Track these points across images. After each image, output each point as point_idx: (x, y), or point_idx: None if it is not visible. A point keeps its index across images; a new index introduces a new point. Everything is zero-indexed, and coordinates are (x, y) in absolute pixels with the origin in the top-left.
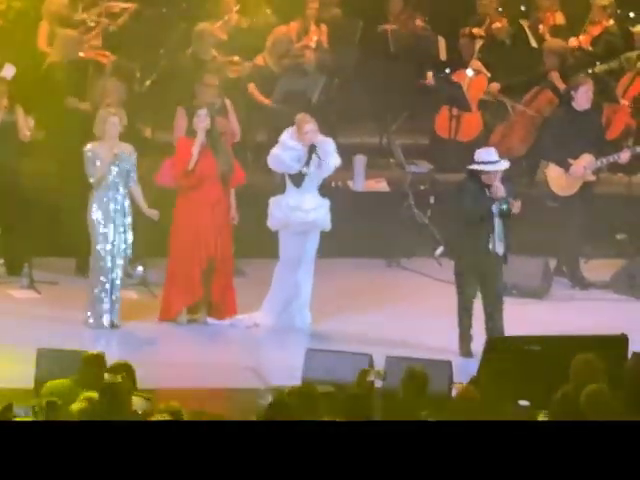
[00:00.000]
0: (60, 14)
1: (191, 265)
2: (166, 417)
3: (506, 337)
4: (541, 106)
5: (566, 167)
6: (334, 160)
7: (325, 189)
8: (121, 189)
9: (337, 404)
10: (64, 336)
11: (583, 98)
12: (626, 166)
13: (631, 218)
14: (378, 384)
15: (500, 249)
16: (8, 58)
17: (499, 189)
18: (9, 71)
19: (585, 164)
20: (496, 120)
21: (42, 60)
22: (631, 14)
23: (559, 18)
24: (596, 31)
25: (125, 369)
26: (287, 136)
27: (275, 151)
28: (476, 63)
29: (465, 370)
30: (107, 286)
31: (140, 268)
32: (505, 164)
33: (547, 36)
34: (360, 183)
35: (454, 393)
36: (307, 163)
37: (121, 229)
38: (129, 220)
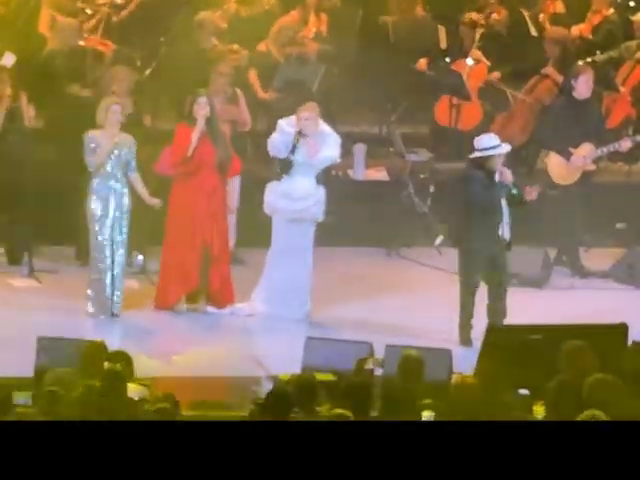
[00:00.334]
0: (60, 1)
1: (186, 253)
2: (165, 405)
3: (506, 326)
4: (541, 95)
5: (566, 156)
6: (330, 152)
7: (325, 178)
8: (120, 178)
9: (337, 392)
10: (64, 325)
11: (583, 87)
12: (626, 155)
13: (631, 207)
14: (378, 372)
15: (508, 235)
16: (9, 46)
17: (507, 173)
18: (9, 59)
19: (585, 153)
20: (496, 109)
21: (42, 48)
22: (631, 3)
23: (559, 7)
24: (596, 20)
25: (123, 358)
26: (285, 121)
27: (272, 135)
28: (476, 52)
29: (465, 359)
30: (106, 275)
31: (140, 257)
32: (507, 147)
33: (547, 25)
34: (360, 172)
35: (453, 382)
36: (293, 150)
37: (119, 218)
38: (127, 209)
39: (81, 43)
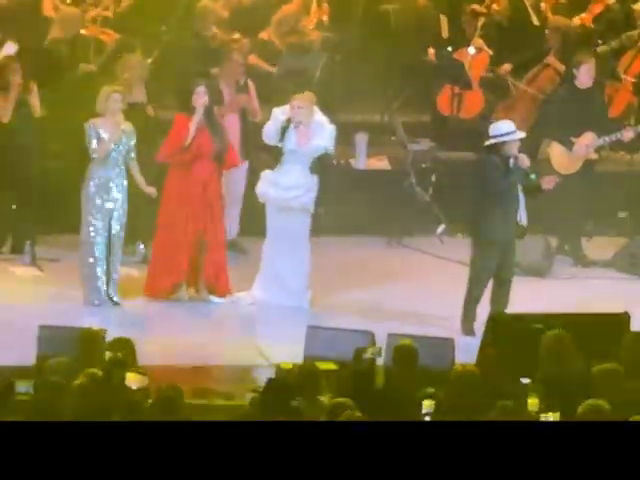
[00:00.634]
0: None
1: (178, 243)
2: (168, 394)
3: (508, 315)
4: (543, 84)
5: (568, 145)
6: (322, 142)
7: (327, 167)
8: (120, 167)
9: (339, 381)
10: (65, 313)
11: (585, 76)
12: (628, 144)
13: (633, 196)
14: (379, 361)
15: (525, 220)
16: (13, 35)
17: (524, 158)
18: (11, 48)
19: (587, 142)
20: (498, 98)
21: (45, 37)
22: None
23: None
24: (598, 9)
25: (125, 345)
26: (280, 109)
27: (267, 122)
28: (478, 41)
29: (467, 348)
30: (100, 263)
31: (141, 246)
32: (522, 134)
33: (549, 14)
34: (362, 161)
35: (453, 371)
36: (281, 137)
37: (118, 207)
38: (126, 198)
39: (83, 32)
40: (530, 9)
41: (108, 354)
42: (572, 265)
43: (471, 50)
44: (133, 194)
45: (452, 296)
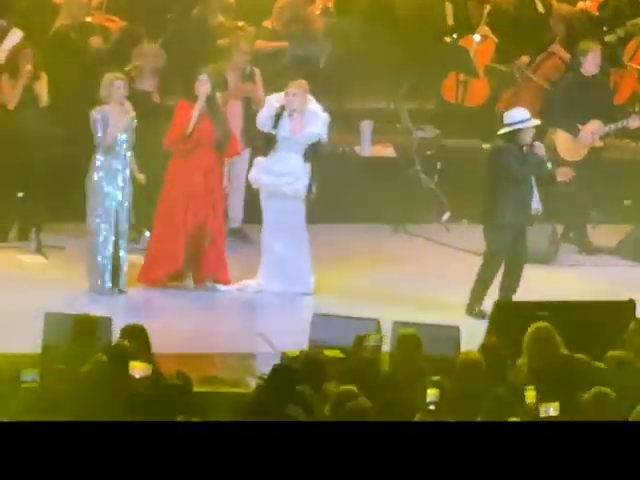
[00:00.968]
0: None
1: (177, 232)
2: (178, 382)
3: (514, 302)
4: (548, 72)
5: (574, 133)
6: (316, 129)
7: (332, 154)
8: (125, 153)
9: (344, 369)
10: (71, 301)
11: (591, 64)
12: (633, 132)
13: (638, 184)
14: (385, 349)
15: (539, 205)
16: (20, 23)
17: (539, 146)
18: (15, 36)
19: (593, 130)
20: (503, 86)
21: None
22: None
23: None
24: None
25: (138, 332)
26: (274, 96)
27: (261, 110)
28: (484, 29)
29: (473, 335)
30: (109, 250)
31: (147, 234)
32: (536, 121)
33: (554, 1)
34: (367, 148)
35: (458, 359)
36: (275, 124)
37: (123, 195)
38: (130, 185)
39: (89, 19)
40: None
41: (114, 341)
42: (577, 252)
43: (477, 38)
44: (138, 182)
45: (458, 283)
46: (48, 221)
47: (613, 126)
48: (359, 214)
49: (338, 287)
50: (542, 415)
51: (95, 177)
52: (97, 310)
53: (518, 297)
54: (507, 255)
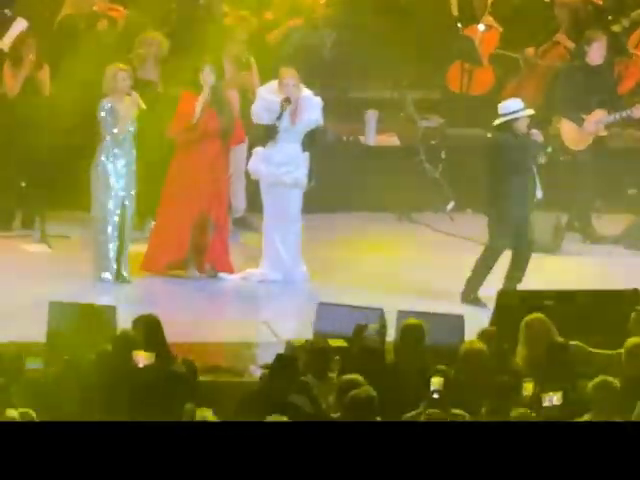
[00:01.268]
0: None
1: (182, 221)
2: (182, 369)
3: (518, 291)
4: (552, 61)
5: (578, 122)
6: (313, 115)
7: (336, 143)
8: (130, 143)
9: (349, 358)
10: (76, 290)
11: (596, 54)
12: (638, 121)
13: None
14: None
15: (540, 194)
16: (25, 12)
17: (537, 134)
18: (20, 25)
19: (597, 119)
20: (507, 75)
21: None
22: None
23: None
24: None
25: (151, 322)
26: (265, 88)
27: (254, 103)
28: (488, 18)
29: (478, 324)
30: (114, 239)
31: (153, 223)
32: (530, 111)
33: None
34: (371, 138)
35: (461, 348)
36: (279, 116)
37: (129, 184)
38: (135, 175)
39: (94, 8)
40: None
41: (119, 330)
42: (582, 242)
43: (481, 27)
44: (143, 171)
45: (461, 272)
46: (52, 210)
47: (617, 115)
48: (363, 203)
49: (342, 276)
50: (546, 404)
51: (101, 166)
52: (102, 299)
53: (522, 286)
54: (514, 245)
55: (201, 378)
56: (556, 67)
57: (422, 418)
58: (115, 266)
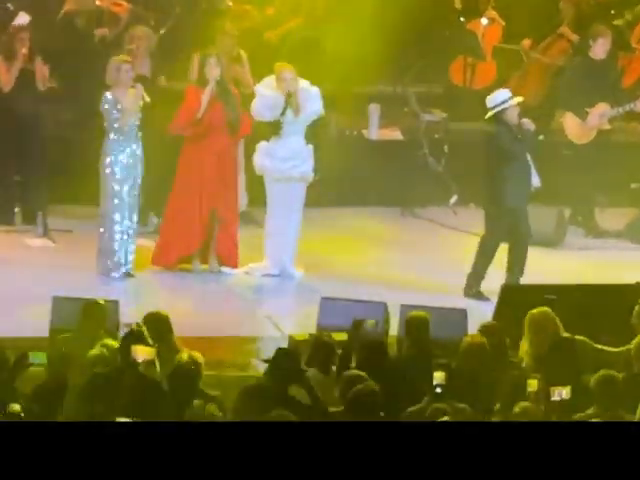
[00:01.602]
0: None
1: (192, 214)
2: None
3: (521, 285)
4: (555, 55)
5: (582, 115)
6: (315, 106)
7: (339, 137)
8: (135, 136)
9: (351, 352)
10: (79, 284)
11: (601, 49)
12: None
13: None
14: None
15: (538, 182)
16: (28, 6)
17: (528, 122)
18: (23, 18)
19: (601, 112)
20: (510, 69)
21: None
22: None
23: None
24: None
25: (160, 319)
26: (261, 85)
27: (253, 100)
28: (491, 12)
29: (481, 318)
30: (120, 234)
31: (155, 218)
32: (518, 98)
33: None
34: (374, 132)
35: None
36: (284, 111)
37: (135, 178)
38: (141, 168)
39: (97, 3)
40: None
41: (126, 327)
42: (584, 236)
43: (484, 21)
44: (146, 165)
45: (464, 266)
46: (52, 204)
47: (621, 109)
48: (366, 197)
49: (345, 270)
50: (554, 399)
51: (107, 160)
52: (105, 293)
53: (525, 280)
54: (510, 237)
55: (204, 372)
56: (559, 61)
57: (427, 413)
58: (120, 261)
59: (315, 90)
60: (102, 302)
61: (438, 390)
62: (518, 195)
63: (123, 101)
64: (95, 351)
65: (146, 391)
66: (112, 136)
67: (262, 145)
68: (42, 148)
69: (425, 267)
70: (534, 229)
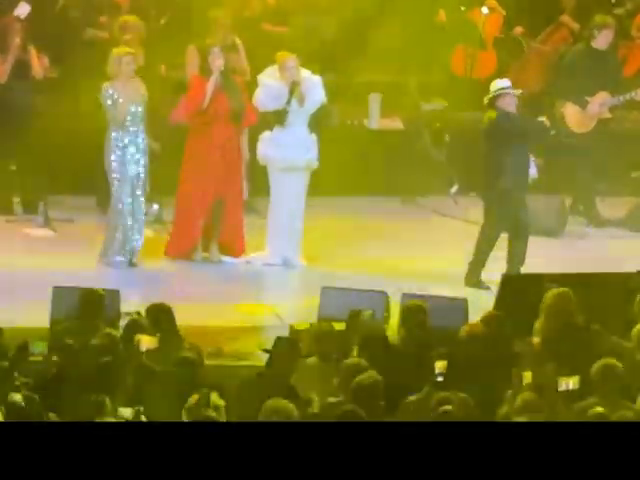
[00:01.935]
0: None
1: (197, 205)
2: (189, 355)
3: (522, 274)
4: (556, 44)
5: (582, 104)
6: (318, 96)
7: (340, 127)
8: (139, 127)
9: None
10: (80, 274)
11: (604, 40)
12: None
13: None
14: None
15: (535, 173)
16: None
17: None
18: (23, 9)
19: (601, 101)
20: (511, 58)
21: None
22: None
23: None
24: None
25: (160, 309)
26: (264, 74)
27: (256, 90)
28: (491, 1)
29: (482, 308)
30: (126, 224)
31: (155, 206)
32: (517, 91)
33: None
34: (375, 121)
35: (461, 331)
36: (289, 100)
37: (138, 168)
38: (146, 159)
39: None
40: None
41: (127, 316)
42: (585, 225)
43: (484, 10)
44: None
45: (465, 255)
46: (52, 194)
47: (621, 98)
48: (367, 186)
49: (346, 259)
50: (561, 389)
51: (110, 151)
52: (106, 283)
53: (526, 269)
54: (511, 227)
55: (205, 362)
56: (560, 50)
57: (431, 403)
58: (125, 250)
59: (317, 79)
60: (100, 291)
61: (439, 379)
62: (516, 180)
63: (122, 93)
64: (97, 340)
65: (148, 380)
66: (113, 127)
67: (266, 135)
68: (41, 138)
69: (426, 256)
70: (535, 218)
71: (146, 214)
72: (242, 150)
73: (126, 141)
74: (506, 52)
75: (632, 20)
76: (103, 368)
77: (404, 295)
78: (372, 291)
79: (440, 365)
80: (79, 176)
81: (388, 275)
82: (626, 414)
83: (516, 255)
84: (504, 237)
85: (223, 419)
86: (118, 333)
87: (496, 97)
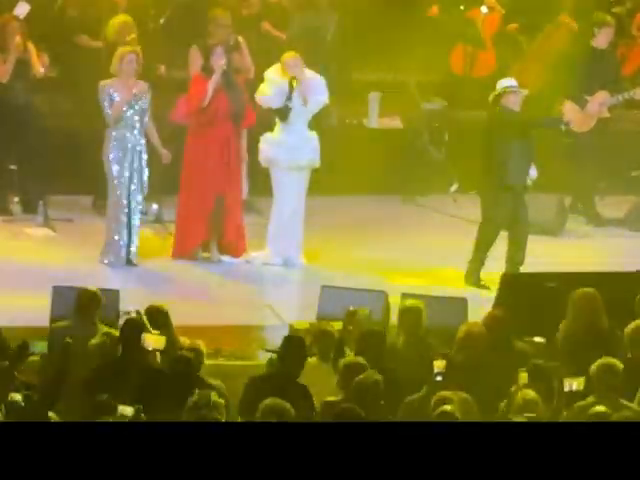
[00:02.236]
0: None
1: (198, 205)
2: (188, 354)
3: (521, 273)
4: (556, 42)
5: (582, 103)
6: (321, 96)
7: (339, 126)
8: (138, 128)
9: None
10: (79, 274)
11: (604, 39)
12: None
13: None
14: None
15: (534, 173)
16: None
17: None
18: (22, 8)
19: (601, 100)
20: (510, 57)
21: None
22: None
23: None
24: None
25: (157, 311)
26: (270, 71)
27: (260, 87)
28: (490, 0)
29: (481, 307)
30: (124, 224)
31: (155, 206)
32: (524, 91)
33: None
34: (374, 120)
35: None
36: (290, 96)
37: (137, 168)
38: (145, 158)
39: None
40: None
41: (123, 316)
42: (585, 224)
43: (483, 9)
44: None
45: (465, 255)
46: (55, 194)
47: (621, 97)
48: (366, 185)
49: (346, 259)
50: (565, 390)
51: (108, 150)
52: (106, 283)
53: (526, 269)
54: (510, 226)
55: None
56: (559, 49)
57: (432, 402)
58: (124, 250)
59: (320, 79)
60: (96, 290)
61: (439, 379)
62: (515, 177)
63: (121, 92)
64: (96, 340)
65: (148, 380)
66: (111, 127)
67: (268, 136)
68: (41, 138)
69: (425, 255)
70: (534, 217)
71: (146, 214)
72: (241, 150)
73: (124, 137)
74: (506, 51)
75: (632, 19)
76: (104, 368)
77: (403, 295)
78: (371, 290)
79: (439, 365)
80: (79, 176)
81: (388, 274)
82: (625, 414)
83: (516, 254)
84: (504, 236)
85: (223, 419)
86: (117, 332)
87: (501, 95)
